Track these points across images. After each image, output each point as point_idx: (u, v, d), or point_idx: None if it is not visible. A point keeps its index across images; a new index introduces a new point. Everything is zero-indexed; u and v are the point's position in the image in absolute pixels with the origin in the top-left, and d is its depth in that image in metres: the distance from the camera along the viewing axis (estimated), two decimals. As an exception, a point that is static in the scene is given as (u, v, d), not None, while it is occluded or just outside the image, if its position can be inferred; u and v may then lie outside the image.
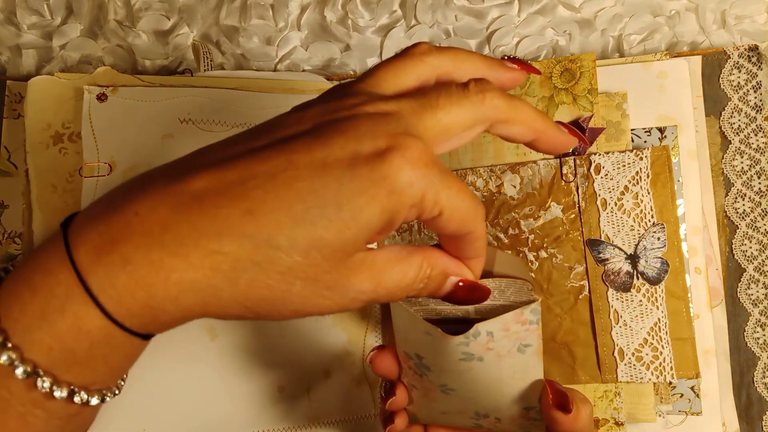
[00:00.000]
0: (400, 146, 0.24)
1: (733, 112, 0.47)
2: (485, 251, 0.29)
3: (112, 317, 0.23)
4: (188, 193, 0.23)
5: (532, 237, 0.47)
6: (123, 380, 0.28)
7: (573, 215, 0.46)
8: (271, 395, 0.49)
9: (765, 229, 0.46)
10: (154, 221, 0.23)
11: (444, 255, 0.28)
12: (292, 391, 0.49)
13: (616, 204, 0.46)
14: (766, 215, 0.46)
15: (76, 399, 0.24)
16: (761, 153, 0.46)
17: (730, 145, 0.47)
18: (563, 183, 0.47)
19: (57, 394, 0.23)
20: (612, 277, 0.46)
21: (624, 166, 0.46)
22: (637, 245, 0.45)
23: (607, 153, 0.46)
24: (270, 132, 0.25)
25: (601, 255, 0.46)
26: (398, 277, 0.26)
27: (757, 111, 0.46)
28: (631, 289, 0.45)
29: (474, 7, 0.52)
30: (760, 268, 0.46)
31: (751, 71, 0.47)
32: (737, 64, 0.47)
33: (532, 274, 0.47)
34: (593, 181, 0.46)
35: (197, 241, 0.23)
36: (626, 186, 0.46)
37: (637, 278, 0.45)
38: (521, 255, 0.48)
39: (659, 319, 0.45)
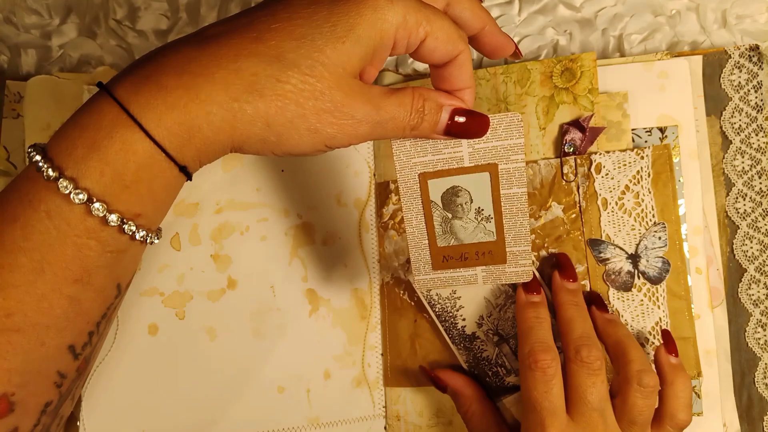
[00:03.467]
0: None
1: (734, 112, 0.47)
2: (474, 81, 0.33)
3: (154, 138, 0.26)
4: (206, 36, 0.28)
5: (532, 237, 0.47)
6: (159, 233, 0.31)
7: (574, 215, 0.46)
8: (271, 395, 0.49)
9: (766, 230, 0.46)
10: (180, 57, 0.27)
11: (435, 90, 0.33)
12: (292, 392, 0.49)
13: (617, 203, 0.46)
14: (767, 215, 0.46)
15: (126, 229, 0.28)
16: (762, 153, 0.46)
17: (731, 145, 0.47)
18: (564, 182, 0.47)
19: (110, 219, 0.27)
20: (613, 276, 0.46)
21: (625, 165, 0.46)
22: (638, 245, 0.45)
23: (608, 152, 0.46)
24: None
25: (602, 255, 0.46)
26: (395, 105, 0.30)
27: (758, 111, 0.46)
28: (632, 289, 0.45)
29: (474, 6, 0.52)
30: (761, 269, 0.46)
31: (752, 71, 0.47)
32: (738, 63, 0.47)
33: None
34: (594, 181, 0.46)
35: (218, 63, 0.27)
36: (627, 185, 0.46)
37: (638, 278, 0.45)
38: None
39: (660, 319, 0.45)
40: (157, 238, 0.30)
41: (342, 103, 0.28)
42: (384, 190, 0.51)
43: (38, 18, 0.52)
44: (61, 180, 0.26)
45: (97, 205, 0.26)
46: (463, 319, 0.48)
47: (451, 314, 0.48)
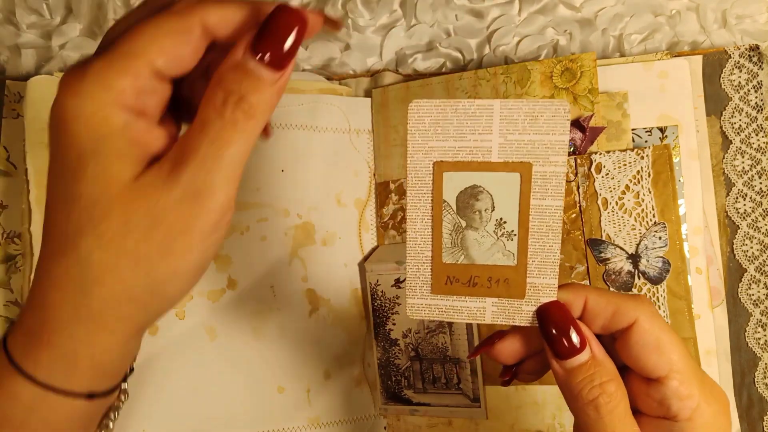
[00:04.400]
0: None
1: (734, 112, 0.47)
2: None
3: (37, 380, 0.25)
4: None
5: (532, 237, 0.47)
6: None
7: (574, 215, 0.46)
8: (271, 395, 0.48)
9: (766, 230, 0.46)
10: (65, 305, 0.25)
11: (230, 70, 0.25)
12: (292, 392, 0.49)
13: (617, 203, 0.46)
14: (767, 215, 0.46)
15: None
16: (762, 153, 0.46)
17: (731, 145, 0.47)
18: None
19: None
20: (613, 276, 0.46)
21: (625, 165, 0.46)
22: (638, 245, 0.45)
23: (608, 152, 0.46)
24: None
25: (602, 255, 0.46)
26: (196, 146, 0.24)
27: (758, 111, 0.46)
28: (633, 289, 0.45)
29: (474, 6, 0.52)
30: (761, 269, 0.46)
31: (751, 71, 0.46)
32: (738, 63, 0.47)
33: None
34: (594, 181, 0.46)
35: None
36: (627, 185, 0.46)
37: (639, 278, 0.45)
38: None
39: (660, 319, 0.45)
40: None
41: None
42: (384, 190, 0.51)
43: (38, 17, 0.52)
44: None
45: None
46: (393, 324, 0.49)
47: (385, 314, 0.49)
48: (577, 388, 0.27)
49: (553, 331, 0.28)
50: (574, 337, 0.28)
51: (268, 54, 0.24)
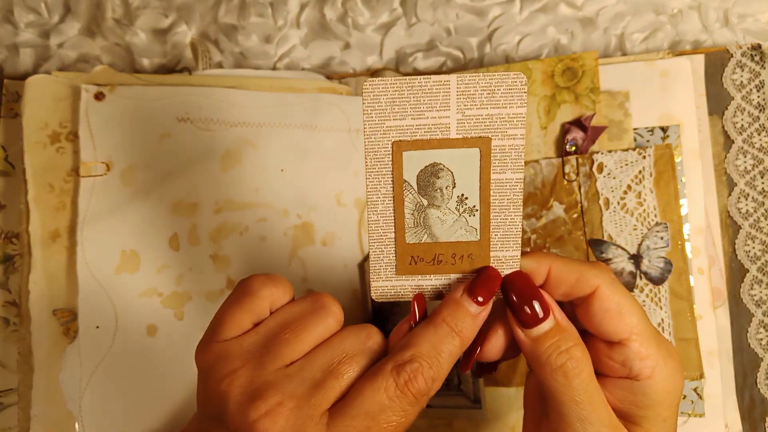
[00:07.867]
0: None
1: (736, 111, 0.47)
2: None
3: None
4: None
5: (534, 237, 0.47)
6: None
7: (575, 215, 0.46)
8: (271, 397, 0.48)
9: (768, 229, 0.46)
10: None
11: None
12: (291, 393, 0.49)
13: (618, 203, 0.46)
14: (769, 215, 0.46)
15: None
16: (764, 153, 0.46)
17: (733, 145, 0.47)
18: (565, 182, 0.46)
19: None
20: (614, 277, 0.45)
21: (627, 164, 0.46)
22: (640, 245, 0.45)
23: (610, 152, 0.46)
24: None
25: (603, 255, 0.46)
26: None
27: (761, 110, 0.46)
28: (634, 289, 0.45)
29: (475, 4, 0.51)
30: (763, 269, 0.46)
31: (754, 70, 0.46)
32: (740, 62, 0.47)
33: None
34: (596, 180, 0.46)
35: None
36: (629, 185, 0.46)
37: (640, 278, 0.45)
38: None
39: (663, 320, 0.45)
40: None
41: None
42: (384, 190, 0.51)
43: (36, 16, 0.51)
44: None
45: None
46: (393, 325, 0.49)
47: (385, 315, 0.49)
48: (544, 356, 0.28)
49: (517, 301, 0.29)
50: (537, 306, 0.29)
51: (476, 294, 0.29)
